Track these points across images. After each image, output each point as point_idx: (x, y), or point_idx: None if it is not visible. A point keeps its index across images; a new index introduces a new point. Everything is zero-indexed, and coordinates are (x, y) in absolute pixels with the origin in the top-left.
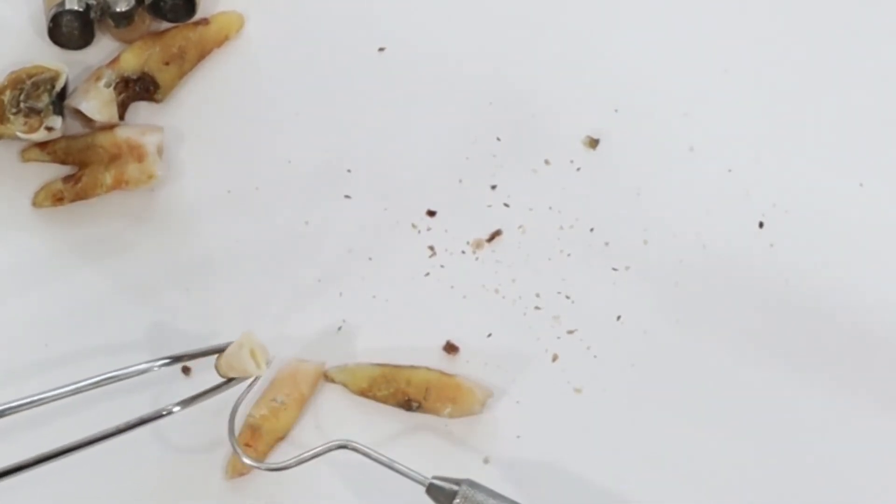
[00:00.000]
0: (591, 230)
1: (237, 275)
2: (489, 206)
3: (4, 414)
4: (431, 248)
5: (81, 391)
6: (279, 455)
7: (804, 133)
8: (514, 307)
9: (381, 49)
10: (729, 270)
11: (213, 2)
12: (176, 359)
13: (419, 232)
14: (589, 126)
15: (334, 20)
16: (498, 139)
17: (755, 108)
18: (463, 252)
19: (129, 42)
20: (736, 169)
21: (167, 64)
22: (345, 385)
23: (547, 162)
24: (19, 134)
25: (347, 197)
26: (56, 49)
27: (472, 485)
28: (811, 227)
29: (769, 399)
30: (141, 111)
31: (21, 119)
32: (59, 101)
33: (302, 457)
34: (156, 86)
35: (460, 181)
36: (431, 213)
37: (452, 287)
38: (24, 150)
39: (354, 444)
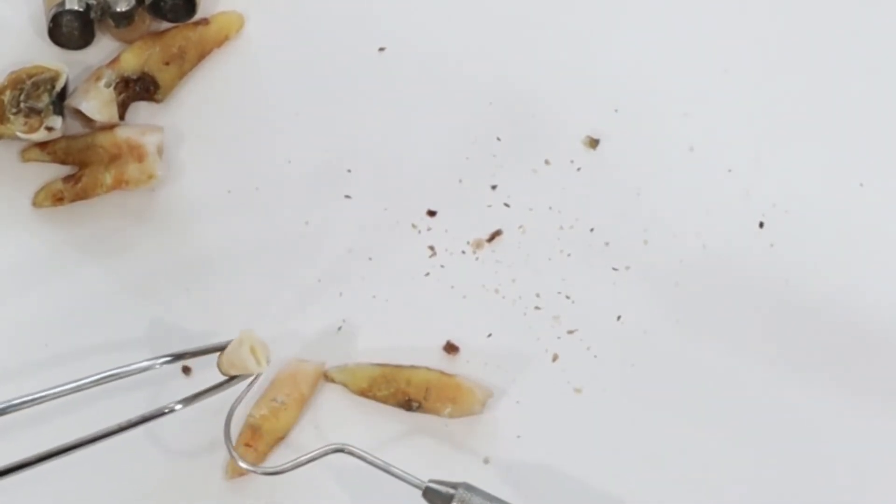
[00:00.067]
0: (591, 230)
1: (237, 275)
2: (489, 206)
3: (5, 412)
4: (431, 248)
5: (82, 389)
6: (279, 455)
7: (804, 133)
8: (514, 307)
9: (381, 49)
10: (729, 270)
11: (213, 2)
12: (177, 357)
13: (419, 232)
14: (589, 126)
15: (334, 20)
16: (498, 139)
17: (755, 108)
18: (463, 252)
19: (129, 42)
20: (736, 169)
21: (167, 64)
22: (345, 385)
23: (547, 162)
24: (19, 134)
25: (347, 197)
26: (56, 49)
27: (469, 488)
28: (811, 227)
29: (769, 399)
30: (141, 111)
31: (21, 119)
32: (59, 101)
33: (298, 460)
34: (156, 86)
35: (460, 181)
36: (431, 213)
37: (452, 287)
38: (24, 150)
39: (350, 448)
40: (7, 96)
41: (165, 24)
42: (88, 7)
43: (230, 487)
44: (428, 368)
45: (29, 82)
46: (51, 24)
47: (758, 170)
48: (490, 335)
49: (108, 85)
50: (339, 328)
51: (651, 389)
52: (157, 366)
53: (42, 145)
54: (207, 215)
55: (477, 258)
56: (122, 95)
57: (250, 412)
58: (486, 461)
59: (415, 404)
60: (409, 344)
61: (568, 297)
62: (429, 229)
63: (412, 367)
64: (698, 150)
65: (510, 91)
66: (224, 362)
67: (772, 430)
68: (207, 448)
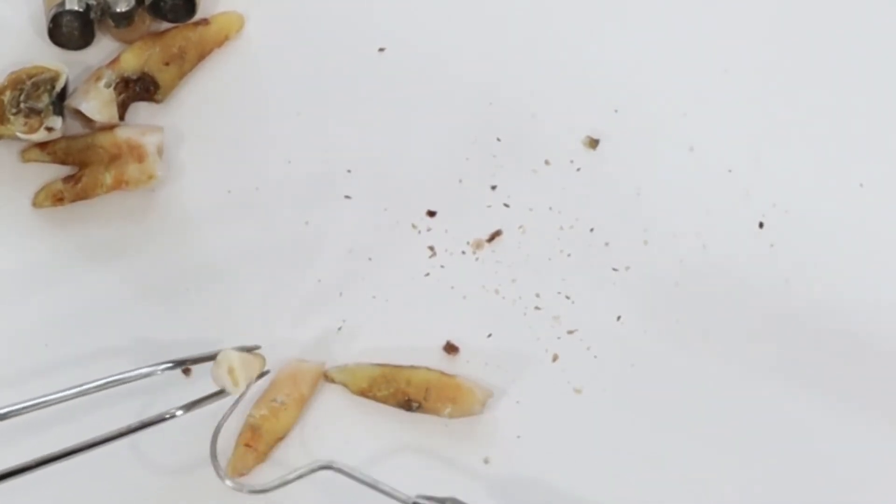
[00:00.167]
0: (591, 230)
1: (237, 275)
2: (489, 206)
3: (6, 417)
4: (431, 248)
5: (84, 394)
6: (279, 455)
7: (804, 133)
8: (514, 307)
9: (381, 49)
10: (729, 270)
11: (213, 2)
12: (178, 363)
13: (419, 232)
14: (589, 126)
15: (334, 20)
16: (498, 139)
17: (755, 108)
18: (463, 252)
19: (129, 42)
20: (736, 169)
21: (167, 64)
22: (345, 385)
23: (547, 162)
24: (19, 134)
25: (347, 197)
26: (56, 49)
27: (457, 503)
28: (811, 227)
29: (769, 399)
30: (141, 111)
31: (21, 119)
32: (59, 102)
33: (285, 479)
34: (156, 86)
35: (460, 181)
36: (431, 213)
37: (452, 287)
38: (24, 151)
39: (338, 466)
40: (7, 96)
41: (165, 25)
42: (88, 7)
43: (230, 488)
44: (428, 368)
45: (29, 82)
46: (51, 24)
47: (758, 170)
48: (490, 335)
49: (108, 85)
50: (339, 328)
51: (651, 389)
52: (159, 372)
53: (42, 145)
54: (207, 215)
55: (477, 258)
56: (122, 95)
57: (250, 412)
58: (486, 461)
59: (415, 404)
60: (409, 344)
61: (568, 297)
62: (429, 229)
63: (412, 367)
64: (698, 150)
65: (510, 91)
66: (212, 375)
67: (772, 430)
68: (208, 448)
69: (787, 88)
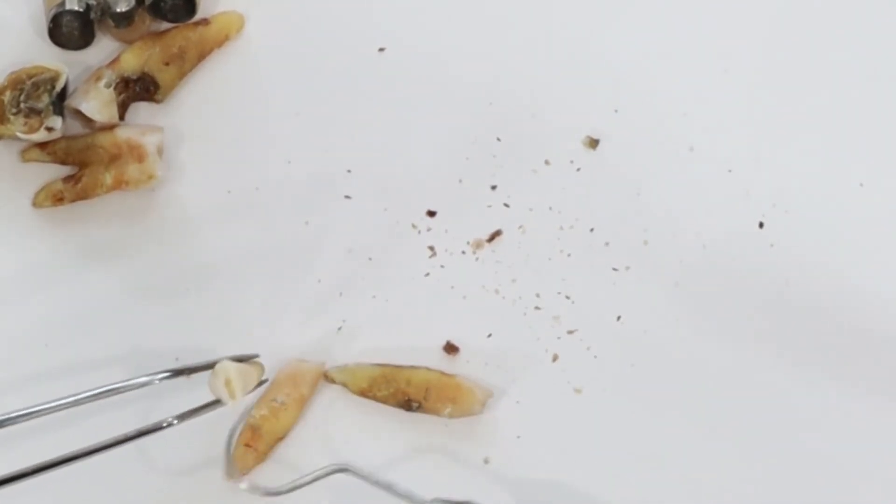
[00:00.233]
0: (591, 230)
1: (237, 275)
2: (489, 206)
3: (3, 424)
4: (431, 248)
5: (81, 403)
6: (279, 454)
7: (804, 133)
8: (514, 307)
9: (381, 49)
10: (729, 270)
11: (213, 2)
12: (177, 372)
13: (419, 232)
14: (589, 126)
15: (334, 20)
16: (498, 139)
17: (755, 108)
18: (463, 252)
19: (129, 42)
20: (736, 169)
21: (167, 64)
22: (345, 385)
23: (547, 162)
24: (19, 134)
25: (347, 197)
26: (56, 49)
27: None
28: (811, 227)
29: (769, 399)
30: (141, 111)
31: (21, 119)
32: (59, 102)
33: (300, 482)
34: (156, 86)
35: (460, 181)
36: (431, 213)
37: (452, 287)
38: (24, 151)
39: (353, 469)
40: (7, 96)
41: (165, 25)
42: (88, 7)
43: (230, 487)
44: (428, 368)
45: (29, 82)
46: (51, 24)
47: (758, 170)
48: (490, 335)
49: (108, 85)
50: (339, 328)
51: (651, 389)
52: (157, 381)
53: (42, 145)
54: (207, 215)
55: (477, 258)
56: (122, 95)
57: (250, 412)
58: (486, 461)
59: (415, 404)
60: (409, 344)
61: (568, 297)
62: (429, 229)
63: (412, 367)
64: (698, 150)
65: (510, 91)
66: (209, 385)
67: (772, 430)
68: (207, 449)
69: (787, 88)
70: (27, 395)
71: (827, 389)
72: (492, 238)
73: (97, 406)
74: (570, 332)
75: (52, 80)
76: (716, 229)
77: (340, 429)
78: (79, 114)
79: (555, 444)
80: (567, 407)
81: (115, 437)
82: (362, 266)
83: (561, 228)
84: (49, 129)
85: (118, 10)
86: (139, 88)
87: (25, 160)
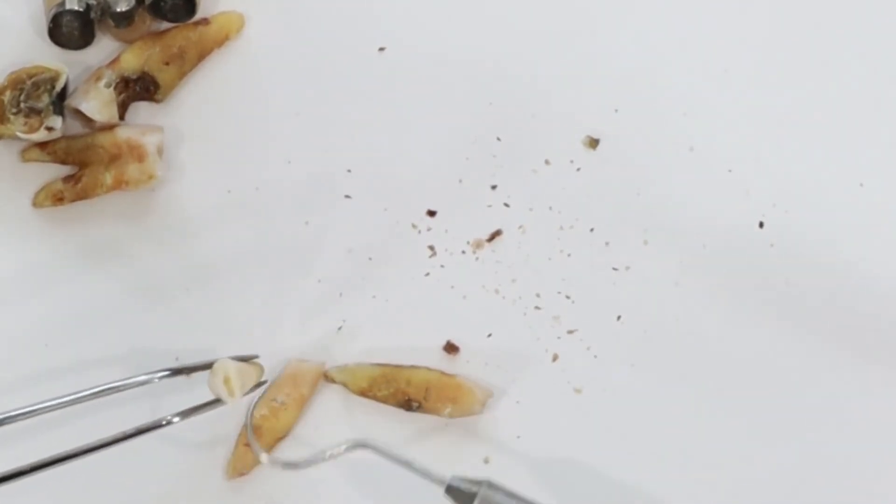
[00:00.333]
0: (591, 230)
1: (237, 275)
2: (489, 206)
3: (3, 423)
4: (431, 248)
5: (81, 401)
6: (280, 454)
7: (804, 133)
8: (514, 307)
9: (381, 49)
10: (729, 270)
11: (213, 2)
12: (176, 371)
13: (419, 232)
14: (589, 126)
15: (334, 20)
16: (498, 139)
17: (755, 108)
18: (463, 252)
19: (129, 42)
20: (736, 169)
21: (167, 64)
22: (345, 385)
23: (547, 162)
24: (19, 134)
25: (347, 197)
26: (56, 49)
27: (492, 486)
28: (811, 227)
29: (769, 398)
30: (141, 111)
31: (21, 119)
32: (60, 101)
33: (318, 457)
34: (156, 86)
35: (460, 181)
36: (431, 213)
37: (452, 287)
38: (24, 150)
39: (373, 444)
40: (7, 96)
41: (165, 24)
42: (88, 7)
43: (230, 487)
44: (428, 368)
45: (29, 82)
46: (51, 24)
47: (758, 170)
48: (490, 335)
49: (108, 85)
50: (339, 328)
51: (651, 389)
52: (156, 380)
53: (42, 145)
54: (207, 215)
55: (477, 258)
56: (122, 95)
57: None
58: (486, 461)
59: (415, 404)
60: (409, 344)
61: (568, 297)
62: (429, 229)
63: (412, 367)
64: (698, 150)
65: (510, 91)
66: (208, 384)
67: (772, 430)
68: (207, 448)
69: (788, 89)
70: (27, 396)
71: (826, 388)
72: (492, 238)
73: (97, 407)
74: (570, 332)
75: (52, 80)
76: (716, 229)
77: (340, 429)
78: (79, 114)
79: (555, 444)
80: (567, 407)
81: (115, 434)
82: (362, 266)
83: (561, 228)
84: (49, 129)
85: (118, 10)
86: (139, 88)
87: (25, 160)
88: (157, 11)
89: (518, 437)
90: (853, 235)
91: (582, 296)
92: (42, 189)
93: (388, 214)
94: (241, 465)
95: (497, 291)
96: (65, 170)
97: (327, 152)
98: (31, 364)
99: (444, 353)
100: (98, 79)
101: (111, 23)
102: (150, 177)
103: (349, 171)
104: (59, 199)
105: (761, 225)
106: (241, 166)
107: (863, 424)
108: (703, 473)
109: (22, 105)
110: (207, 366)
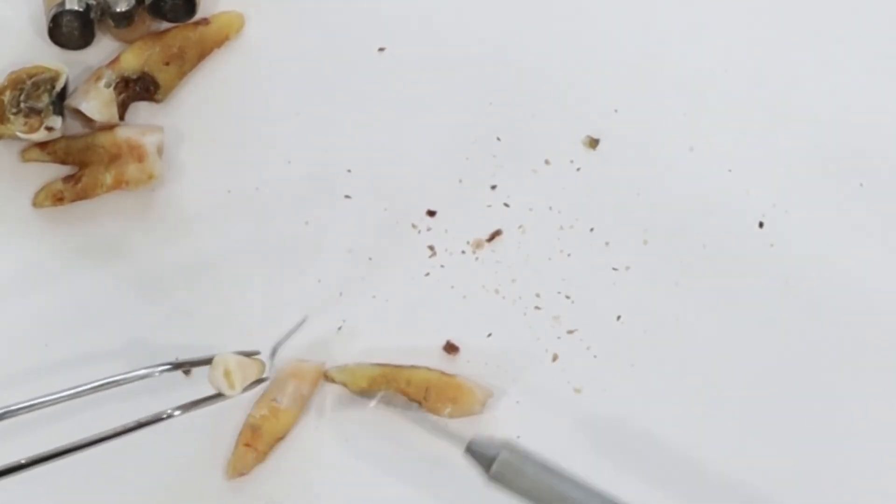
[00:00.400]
0: (591, 230)
1: (237, 275)
2: (489, 206)
3: (4, 417)
4: (431, 248)
5: (81, 395)
6: (280, 454)
7: (805, 134)
8: (514, 307)
9: (381, 49)
10: (729, 270)
11: (213, 2)
12: (176, 365)
13: (419, 232)
14: (589, 126)
15: (334, 20)
16: (498, 139)
17: (755, 108)
18: (463, 252)
19: (129, 42)
20: (736, 169)
21: (167, 64)
22: (345, 385)
23: (547, 162)
24: (19, 134)
25: (347, 197)
26: (56, 49)
27: (512, 448)
28: (811, 227)
29: (769, 399)
30: (141, 111)
31: (21, 119)
32: (59, 101)
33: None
34: (156, 86)
35: (460, 181)
36: (431, 213)
37: (452, 287)
38: (24, 150)
39: (390, 396)
40: (7, 96)
41: (165, 24)
42: (88, 7)
43: (230, 487)
44: (428, 368)
45: (29, 82)
46: (51, 24)
47: (758, 170)
48: (490, 335)
49: (108, 85)
50: (339, 328)
51: (651, 389)
52: (157, 373)
53: (42, 145)
54: (207, 215)
55: (477, 258)
56: (122, 95)
57: (250, 412)
58: None
59: (415, 404)
60: (409, 344)
61: (568, 297)
62: (429, 229)
63: (412, 367)
64: (698, 150)
65: (510, 91)
66: (209, 377)
67: (772, 430)
68: (207, 448)
69: (787, 89)
70: (27, 392)
71: (826, 388)
72: (492, 238)
73: (98, 403)
74: (570, 332)
75: (52, 80)
76: (716, 229)
77: (340, 429)
78: (79, 114)
79: (555, 444)
80: (567, 407)
81: (116, 427)
82: (362, 266)
83: (561, 228)
84: (49, 129)
85: (118, 10)
86: (139, 88)
87: (25, 160)
88: (157, 11)
89: (518, 437)
90: (853, 235)
91: (582, 296)
92: (42, 189)
93: (388, 214)
94: (241, 465)
95: (497, 291)
96: (65, 170)
97: (327, 152)
98: (31, 362)
99: (444, 353)
100: (98, 79)
101: (111, 23)
102: (150, 176)
103: (349, 171)
104: (59, 199)
105: (761, 225)
106: (241, 166)
107: (863, 424)
108: (703, 473)
109: (22, 105)
110: (208, 360)
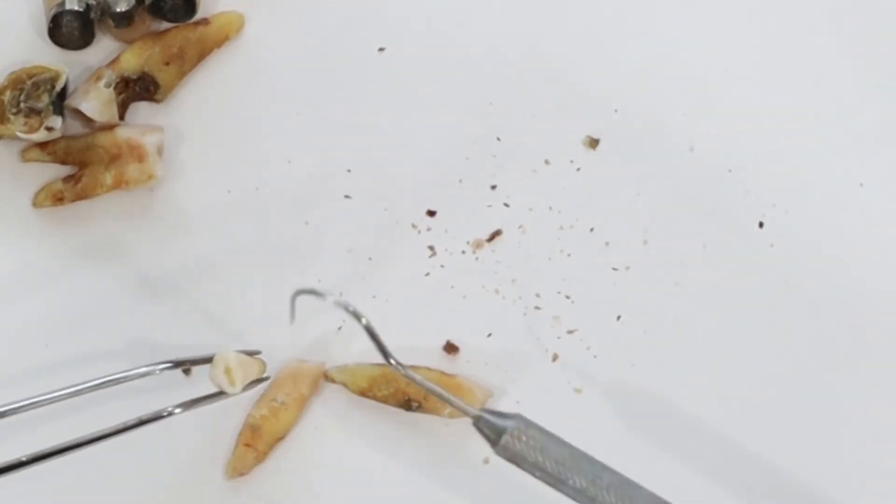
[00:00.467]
0: (591, 230)
1: (237, 275)
2: (489, 206)
3: (5, 415)
4: (431, 248)
5: (82, 393)
6: (280, 454)
7: (804, 133)
8: (514, 307)
9: (381, 49)
10: (729, 270)
11: (213, 2)
12: (177, 364)
13: (419, 232)
14: (589, 126)
15: (334, 20)
16: (498, 139)
17: (755, 108)
18: (463, 252)
19: (129, 42)
20: (736, 169)
21: (167, 64)
22: (345, 385)
23: (547, 162)
24: (19, 134)
25: (347, 197)
26: (56, 49)
27: (524, 421)
28: (811, 227)
29: (769, 399)
30: (141, 111)
31: (21, 119)
32: (59, 101)
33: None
34: (156, 86)
35: (460, 181)
36: (431, 213)
37: (452, 287)
38: (24, 150)
39: (399, 365)
40: (7, 96)
41: (165, 24)
42: (88, 7)
43: (230, 487)
44: (428, 368)
45: (29, 82)
46: (51, 24)
47: (758, 170)
48: (490, 335)
49: (108, 85)
50: (339, 328)
51: (651, 389)
52: (157, 372)
53: (42, 145)
54: (207, 215)
55: (477, 258)
56: (122, 95)
57: (250, 412)
58: (486, 461)
59: (415, 404)
60: (409, 344)
61: (568, 297)
62: (429, 229)
63: (412, 367)
64: (698, 150)
65: (510, 91)
66: (209, 375)
67: (772, 430)
68: (207, 448)
69: (788, 89)
70: (27, 391)
71: (826, 389)
72: (492, 238)
73: (99, 401)
74: (570, 332)
75: (52, 80)
76: (716, 229)
77: (340, 429)
78: (79, 114)
79: None
80: (567, 407)
81: (116, 425)
82: (362, 266)
83: (561, 228)
84: (49, 129)
85: (118, 10)
86: (139, 88)
87: (25, 160)
88: (157, 11)
89: None
90: (853, 235)
91: (582, 296)
92: (42, 189)
93: (388, 214)
94: (241, 465)
95: (497, 291)
96: (65, 170)
97: (327, 152)
98: (31, 362)
99: (444, 353)
100: (98, 79)
101: (111, 23)
102: (150, 176)
103: (349, 171)
104: (59, 199)
105: (761, 225)
106: (241, 166)
107: (863, 424)
108: (703, 473)
109: (22, 105)
110: (208, 359)
